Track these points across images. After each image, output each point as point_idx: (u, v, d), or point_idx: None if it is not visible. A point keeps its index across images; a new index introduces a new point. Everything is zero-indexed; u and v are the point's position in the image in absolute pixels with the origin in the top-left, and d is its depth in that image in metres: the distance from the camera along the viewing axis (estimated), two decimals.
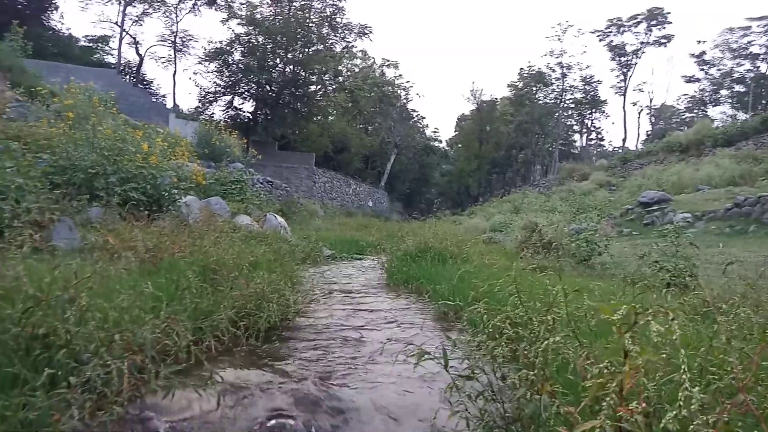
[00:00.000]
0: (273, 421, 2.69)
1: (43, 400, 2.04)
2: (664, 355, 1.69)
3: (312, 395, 3.06)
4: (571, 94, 64.18)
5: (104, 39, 47.94)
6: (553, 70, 62.49)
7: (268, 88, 40.30)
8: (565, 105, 64.43)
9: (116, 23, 45.36)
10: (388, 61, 58.47)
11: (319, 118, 45.15)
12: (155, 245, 5.26)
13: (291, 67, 40.93)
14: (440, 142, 73.68)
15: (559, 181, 36.85)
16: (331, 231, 17.32)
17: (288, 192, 25.71)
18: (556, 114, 62.98)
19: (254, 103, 41.22)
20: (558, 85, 63.08)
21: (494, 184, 64.82)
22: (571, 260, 9.15)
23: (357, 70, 54.53)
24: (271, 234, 11.36)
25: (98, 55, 47.22)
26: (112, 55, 47.58)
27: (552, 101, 63.91)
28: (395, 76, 58.95)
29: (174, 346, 2.88)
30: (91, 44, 47.44)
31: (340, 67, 46.54)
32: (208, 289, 4.05)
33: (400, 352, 3.12)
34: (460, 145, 70.82)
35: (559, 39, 60.93)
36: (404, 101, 60.20)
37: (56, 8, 41.57)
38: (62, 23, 50.26)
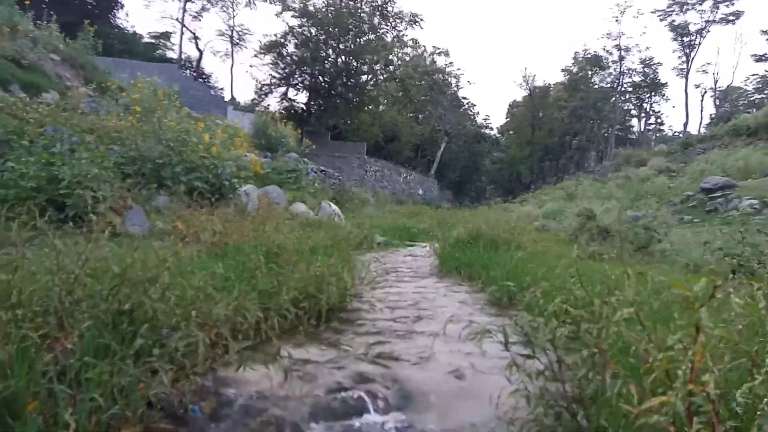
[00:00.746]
0: (337, 396, 2.82)
1: (132, 368, 2.24)
2: (736, 333, 1.67)
3: (372, 372, 3.19)
4: (630, 77, 61.45)
5: (166, 35, 49.97)
6: (610, 53, 60.01)
7: (320, 79, 40.87)
8: (623, 89, 61.81)
9: (177, 19, 47.13)
10: (439, 49, 57.87)
11: (370, 107, 45.42)
12: (221, 230, 5.52)
13: (343, 57, 41.30)
14: (491, 129, 72.54)
15: (616, 168, 35.46)
16: (383, 219, 17.48)
17: (340, 181, 26.09)
18: (613, 98, 60.52)
19: (308, 94, 41.93)
20: (615, 69, 60.56)
21: (546, 171, 63.16)
22: (628, 248, 8.89)
23: (408, 58, 54.31)
24: (325, 221, 11.63)
25: (160, 50, 49.26)
26: (173, 50, 49.55)
27: (609, 85, 61.43)
28: (446, 64, 58.34)
29: (245, 323, 3.06)
30: (153, 40, 49.54)
31: (390, 57, 46.54)
32: (271, 271, 4.23)
33: (456, 332, 3.18)
34: (511, 132, 69.45)
35: (616, 20, 58.40)
36: (455, 89, 59.53)
37: (122, 7, 43.67)
38: (127, 21, 52.63)
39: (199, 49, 49.66)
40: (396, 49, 48.81)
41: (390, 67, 46.52)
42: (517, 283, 4.72)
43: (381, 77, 45.17)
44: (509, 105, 70.62)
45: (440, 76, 56.02)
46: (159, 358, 2.35)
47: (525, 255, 6.27)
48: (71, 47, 20.57)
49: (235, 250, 4.82)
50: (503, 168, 65.70)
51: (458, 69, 60.68)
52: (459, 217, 14.92)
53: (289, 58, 40.73)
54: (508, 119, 70.58)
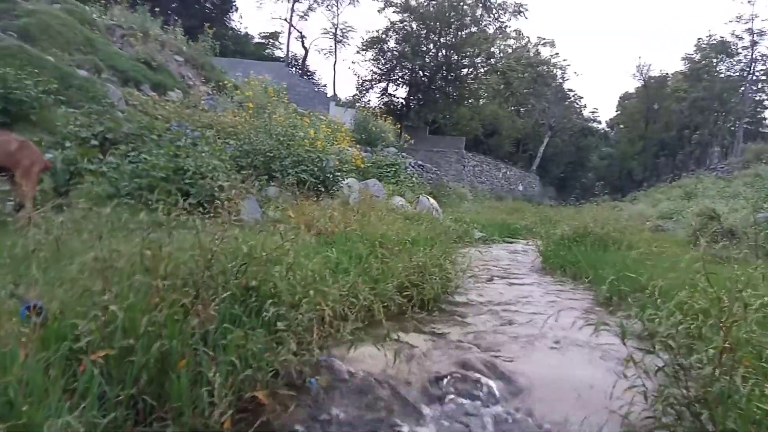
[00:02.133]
0: (445, 381, 2.90)
1: (262, 338, 2.46)
2: None
3: (476, 362, 3.22)
4: (763, 64, 55.17)
5: (274, 35, 52.68)
6: (740, 38, 54.22)
7: (420, 73, 41.00)
8: (755, 77, 55.63)
9: (285, 19, 49.46)
10: (544, 39, 55.61)
11: (470, 101, 44.83)
12: (329, 220, 5.80)
13: (443, 51, 41.11)
14: (599, 123, 68.61)
15: (743, 164, 32.04)
16: (481, 214, 17.26)
17: (438, 175, 26.06)
18: (742, 88, 54.69)
19: (407, 89, 42.26)
20: (746, 56, 54.65)
21: (661, 168, 58.49)
22: (757, 251, 8.08)
23: (510, 50, 52.83)
24: (424, 215, 11.72)
25: (269, 50, 52.04)
26: (280, 49, 52.09)
27: (737, 74, 55.58)
28: (551, 55, 56.00)
29: (357, 305, 3.23)
30: (263, 41, 52.43)
31: (492, 49, 45.56)
32: (377, 259, 4.39)
33: (560, 327, 3.13)
34: (622, 126, 65.18)
35: (749, 1, 52.73)
36: (560, 81, 56.97)
37: (236, 10, 46.64)
38: (240, 23, 56.10)
39: (304, 48, 51.80)
40: (498, 41, 47.71)
41: (491, 59, 45.55)
42: (629, 284, 4.51)
43: (482, 70, 44.39)
44: (620, 97, 66.28)
45: (545, 67, 53.89)
46: (282, 331, 2.55)
47: (638, 255, 5.93)
48: (193, 49, 22.39)
49: (343, 238, 5.05)
50: (612, 164, 61.80)
51: (564, 60, 58.01)
52: (563, 214, 14.37)
53: (389, 53, 41.28)
54: (618, 112, 66.34)
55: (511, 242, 12.26)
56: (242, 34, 49.25)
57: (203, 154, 8.67)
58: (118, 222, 5.02)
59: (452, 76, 41.08)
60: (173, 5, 37.08)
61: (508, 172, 43.92)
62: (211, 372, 2.09)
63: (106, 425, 1.76)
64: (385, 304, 3.73)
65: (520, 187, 44.69)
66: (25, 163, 5.89)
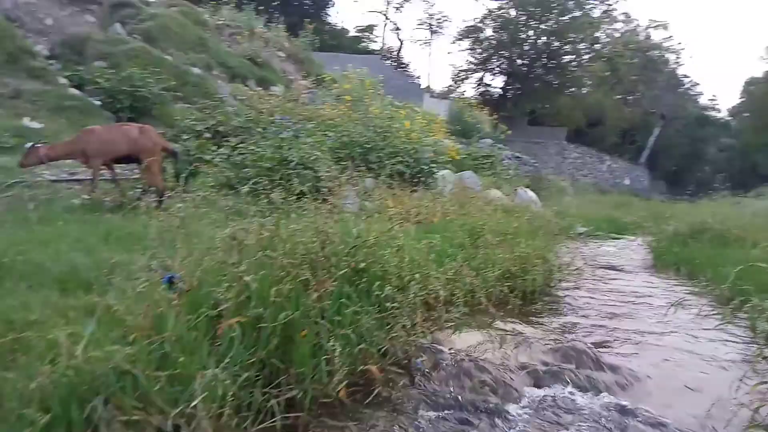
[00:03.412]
0: (549, 370, 2.87)
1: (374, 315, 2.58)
2: None
3: (580, 354, 3.14)
4: None
5: (370, 28, 53.48)
6: None
7: (519, 62, 39.83)
8: None
9: (381, 12, 50.04)
10: (656, 22, 51.65)
11: (572, 90, 42.79)
12: (427, 209, 5.86)
13: (544, 38, 39.58)
14: (718, 111, 62.67)
15: None
16: (583, 208, 16.51)
17: (536, 168, 25.24)
18: None
19: (504, 79, 41.25)
20: None
21: None
22: None
23: (617, 35, 49.68)
24: (522, 208, 11.42)
25: (364, 43, 52.96)
26: (375, 42, 52.81)
27: None
28: (663, 39, 51.90)
29: (462, 290, 3.27)
30: (358, 34, 53.44)
31: (597, 34, 43.08)
32: (477, 249, 4.39)
33: (674, 325, 2.97)
34: (746, 115, 59.04)
35: None
36: (673, 66, 52.63)
37: (333, 5, 47.94)
38: (337, 17, 57.57)
39: (399, 40, 52.10)
40: (604, 26, 45.04)
41: (596, 45, 43.10)
42: (756, 285, 4.15)
43: (586, 57, 42.16)
44: (745, 82, 59.99)
45: (656, 52, 50.06)
46: (395, 309, 2.66)
47: (763, 253, 5.42)
48: (294, 45, 23.36)
49: (442, 227, 5.09)
50: (733, 156, 55.99)
51: (678, 43, 53.56)
52: (675, 209, 13.39)
53: (486, 42, 40.46)
54: (742, 99, 60.14)
55: (617, 238, 11.65)
56: (339, 28, 50.53)
57: (305, 146, 9.05)
58: (234, 208, 5.42)
59: (553, 63, 39.46)
60: (275, 3, 38.81)
61: (612, 165, 41.42)
62: (330, 343, 2.23)
63: (241, 383, 1.96)
64: (488, 292, 3.73)
65: (627, 181, 41.99)
66: (147, 146, 6.53)
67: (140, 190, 6.96)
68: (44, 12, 13.95)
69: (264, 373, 2.17)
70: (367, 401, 2.42)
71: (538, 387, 2.76)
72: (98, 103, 11.66)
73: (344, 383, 2.28)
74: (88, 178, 7.01)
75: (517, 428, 2.41)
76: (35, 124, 9.87)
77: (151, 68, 12.62)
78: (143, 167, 6.66)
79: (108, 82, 11.55)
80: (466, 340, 3.09)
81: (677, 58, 52.51)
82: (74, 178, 7.74)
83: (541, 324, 3.75)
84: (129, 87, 11.66)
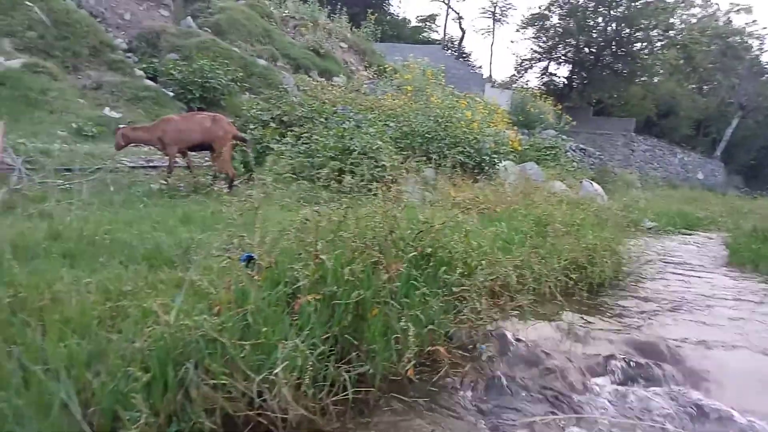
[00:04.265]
0: (616, 361, 2.82)
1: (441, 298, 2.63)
2: None
3: (650, 347, 3.07)
4: None
5: (432, 17, 53.05)
6: None
7: (586, 50, 38.37)
8: None
9: (443, 1, 49.54)
10: (737, 5, 48.24)
11: (642, 79, 40.81)
12: (490, 199, 5.82)
13: (614, 25, 37.91)
14: None
15: None
16: (652, 203, 15.80)
17: (602, 160, 24.34)
18: None
19: (570, 68, 39.93)
20: None
21: None
22: None
23: (694, 20, 46.85)
24: (587, 200, 11.09)
25: (425, 33, 52.60)
26: (436, 32, 52.34)
27: None
28: (746, 24, 48.41)
29: (528, 278, 3.26)
30: (420, 24, 53.12)
31: (672, 20, 40.83)
32: (543, 239, 4.33)
33: (752, 322, 2.84)
34: None
35: None
36: (756, 53, 49.00)
37: None
38: (399, 7, 57.39)
39: (461, 29, 51.50)
40: (679, 11, 42.62)
41: (670, 31, 40.84)
42: None
43: (658, 44, 40.07)
44: None
45: (737, 38, 46.82)
46: (463, 292, 2.69)
47: None
48: (356, 35, 23.56)
49: (507, 217, 5.05)
50: None
51: (764, 28, 49.87)
52: (755, 205, 12.61)
53: (552, 30, 39.25)
54: None
55: (689, 233, 11.11)
56: (400, 18, 50.44)
57: (367, 136, 9.15)
58: (300, 194, 5.60)
59: (623, 51, 37.75)
60: None
61: (685, 158, 39.22)
62: (400, 323, 2.30)
63: (317, 356, 2.06)
64: (555, 281, 3.69)
65: (700, 175, 39.68)
66: (219, 134, 6.83)
67: (212, 176, 7.29)
68: (123, 7, 14.76)
69: (336, 349, 2.27)
70: (434, 382, 2.48)
71: (607, 378, 2.72)
72: (171, 93, 12.27)
73: (412, 363, 2.35)
74: (164, 165, 7.42)
75: (584, 418, 2.39)
76: (114, 114, 10.51)
77: (220, 60, 13.13)
78: (215, 154, 6.98)
79: (180, 74, 12.13)
80: (532, 328, 3.07)
81: (761, 44, 48.84)
82: (150, 165, 8.21)
83: (610, 316, 3.67)
84: (199, 78, 12.20)
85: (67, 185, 6.25)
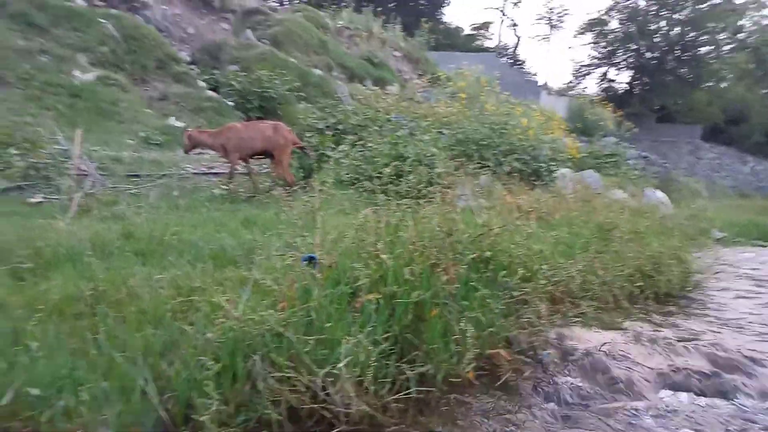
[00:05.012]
0: (683, 371, 2.69)
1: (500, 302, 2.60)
2: None
3: (722, 360, 2.90)
4: None
5: (485, 25, 52.72)
6: None
7: (648, 55, 37.03)
8: None
9: (498, 9, 49.14)
10: None
11: (709, 84, 38.93)
12: (548, 206, 5.70)
13: (677, 28, 36.42)
14: None
15: None
16: (721, 212, 15.00)
17: (665, 168, 23.38)
18: None
19: (630, 73, 38.63)
20: None
21: None
22: None
23: (766, 22, 44.36)
24: (650, 209, 10.67)
25: (479, 41, 52.29)
26: (490, 39, 51.93)
27: None
28: None
29: (588, 286, 3.16)
30: (473, 32, 52.89)
31: (741, 22, 38.79)
32: (605, 246, 4.20)
33: None
34: None
35: None
36: None
37: (448, 3, 47.88)
38: (452, 16, 57.25)
39: (516, 36, 50.95)
40: (749, 12, 40.48)
41: (739, 34, 38.83)
42: None
43: (726, 48, 38.17)
44: None
45: None
46: (524, 296, 2.65)
47: None
48: (409, 44, 23.71)
49: (566, 224, 4.92)
50: None
51: None
52: None
53: (611, 35, 38.13)
54: None
55: (762, 245, 10.47)
56: (453, 27, 50.39)
57: (421, 143, 9.16)
58: (356, 201, 5.67)
59: (687, 55, 36.17)
60: (392, 4, 39.57)
61: (756, 167, 36.96)
62: (460, 325, 2.29)
63: (378, 354, 2.08)
64: (619, 289, 3.56)
65: None
66: (280, 142, 7.03)
67: (271, 182, 7.50)
68: (187, 22, 15.48)
69: (396, 348, 2.28)
70: (495, 385, 2.44)
71: (675, 390, 2.60)
72: (231, 103, 12.73)
73: (472, 365, 2.32)
74: (224, 171, 7.69)
75: (649, 430, 2.30)
76: (179, 123, 11.00)
77: (278, 70, 13.53)
78: (274, 161, 7.18)
79: (240, 84, 12.58)
80: (595, 336, 2.98)
81: None
82: (212, 171, 8.53)
83: (677, 326, 3.49)
84: (258, 88, 12.61)
85: (136, 190, 6.60)
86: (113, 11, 12.80)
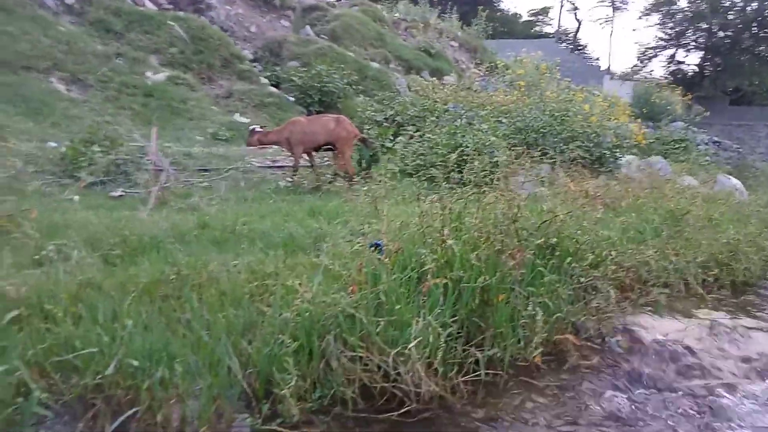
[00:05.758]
0: (763, 361, 2.58)
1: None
2: None
3: None
4: None
5: (545, 11, 51.18)
6: None
7: (721, 34, 34.82)
8: None
9: None
10: None
11: None
12: (614, 193, 5.54)
13: (755, 4, 34.01)
14: None
15: None
16: None
17: (740, 153, 21.94)
18: None
19: (701, 54, 36.47)
20: None
21: None
22: None
23: None
24: (724, 196, 10.10)
25: (537, 27, 50.84)
26: (549, 25, 50.37)
27: None
28: None
29: (660, 273, 3.08)
30: (531, 18, 51.46)
31: None
32: (677, 233, 4.05)
33: None
34: None
35: None
36: None
37: None
38: (509, 3, 55.96)
39: (577, 20, 49.12)
40: None
41: None
42: None
43: None
44: None
45: None
46: (592, 282, 2.63)
47: None
48: (466, 33, 23.41)
49: (634, 210, 4.78)
50: None
51: None
52: None
53: (680, 14, 36.11)
54: None
55: None
56: (511, 14, 49.24)
57: (479, 132, 9.07)
58: (416, 191, 5.72)
59: (766, 32, 33.75)
60: None
61: None
62: (527, 309, 2.31)
63: (446, 336, 2.13)
64: (693, 276, 3.44)
65: None
66: (342, 135, 7.17)
67: (332, 174, 7.67)
68: (249, 21, 15.95)
69: (462, 332, 2.32)
70: (563, 370, 2.44)
71: (760, 381, 2.50)
72: (292, 98, 13.04)
73: (539, 350, 2.34)
74: (288, 165, 7.92)
75: (730, 419, 2.23)
76: (243, 119, 11.39)
77: (336, 65, 13.71)
78: (336, 153, 7.33)
79: (300, 80, 12.86)
80: (667, 325, 2.89)
81: None
82: (276, 165, 8.81)
83: (758, 317, 3.33)
84: (318, 83, 12.83)
85: (207, 183, 6.92)
86: (181, 14, 13.41)
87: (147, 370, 1.85)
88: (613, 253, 2.94)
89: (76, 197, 5.62)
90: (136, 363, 1.83)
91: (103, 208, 5.03)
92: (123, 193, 6.22)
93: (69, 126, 8.48)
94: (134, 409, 1.82)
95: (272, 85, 13.46)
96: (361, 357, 2.00)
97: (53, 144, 7.48)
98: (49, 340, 1.94)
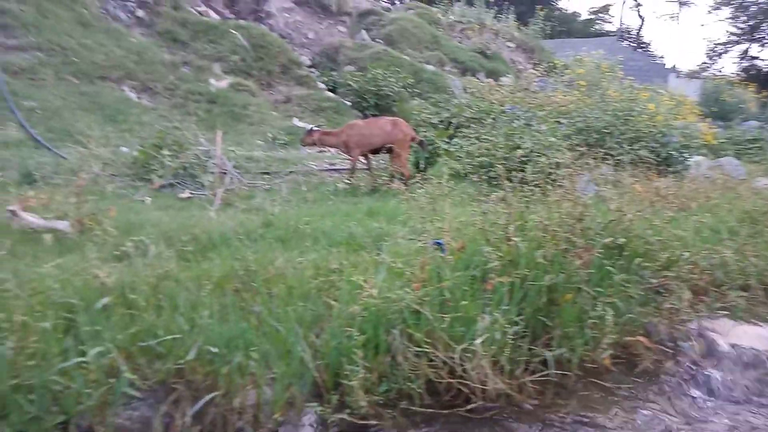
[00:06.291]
0: None
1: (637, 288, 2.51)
2: None
3: None
4: None
5: (605, 8, 49.51)
6: None
7: None
8: None
9: None
10: None
11: None
12: (683, 194, 5.31)
13: None
14: None
15: None
16: None
17: None
18: None
19: None
20: None
21: None
22: None
23: None
24: None
25: (598, 25, 49.24)
26: (610, 23, 48.70)
27: None
28: None
29: (740, 275, 2.93)
30: (591, 16, 49.89)
31: None
32: (757, 234, 3.83)
33: None
34: None
35: None
36: None
37: None
38: (568, 2, 54.51)
39: (640, 16, 47.28)
40: None
41: None
42: None
43: None
44: None
45: None
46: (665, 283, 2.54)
47: None
48: (523, 34, 23.01)
49: (707, 211, 4.56)
50: None
51: None
52: None
53: (754, 6, 34.11)
54: None
55: None
56: (569, 13, 47.96)
57: (538, 133, 8.90)
58: (473, 193, 5.69)
59: None
60: None
61: None
62: (595, 309, 2.26)
63: (511, 335, 2.12)
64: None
65: None
66: (399, 137, 7.21)
67: (388, 176, 7.73)
68: (307, 27, 16.33)
69: (528, 331, 2.30)
70: (633, 373, 2.37)
71: None
72: (349, 103, 13.25)
73: (608, 351, 2.28)
74: (345, 168, 8.05)
75: None
76: (301, 124, 11.67)
77: (392, 68, 13.81)
78: (393, 156, 7.39)
79: (356, 84, 13.04)
80: (747, 330, 2.75)
81: None
82: (333, 168, 8.98)
83: None
84: (374, 87, 12.97)
85: (269, 185, 7.14)
86: (242, 22, 13.90)
87: (225, 357, 1.94)
88: (686, 253, 2.82)
89: (148, 198, 5.93)
90: (215, 350, 1.93)
91: (172, 209, 5.29)
92: (191, 195, 6.50)
93: (140, 132, 8.98)
94: (213, 394, 1.91)
95: (329, 89, 13.72)
96: (426, 352, 2.02)
97: (125, 149, 7.93)
98: (134, 327, 2.07)
